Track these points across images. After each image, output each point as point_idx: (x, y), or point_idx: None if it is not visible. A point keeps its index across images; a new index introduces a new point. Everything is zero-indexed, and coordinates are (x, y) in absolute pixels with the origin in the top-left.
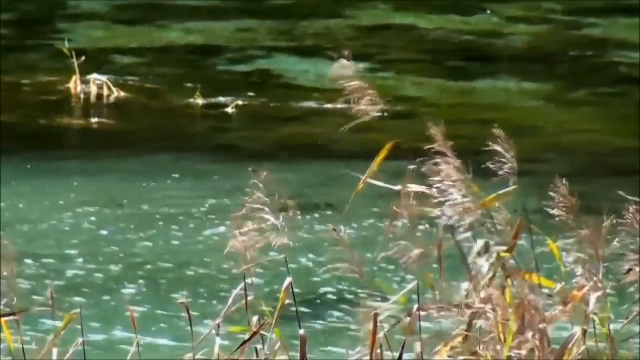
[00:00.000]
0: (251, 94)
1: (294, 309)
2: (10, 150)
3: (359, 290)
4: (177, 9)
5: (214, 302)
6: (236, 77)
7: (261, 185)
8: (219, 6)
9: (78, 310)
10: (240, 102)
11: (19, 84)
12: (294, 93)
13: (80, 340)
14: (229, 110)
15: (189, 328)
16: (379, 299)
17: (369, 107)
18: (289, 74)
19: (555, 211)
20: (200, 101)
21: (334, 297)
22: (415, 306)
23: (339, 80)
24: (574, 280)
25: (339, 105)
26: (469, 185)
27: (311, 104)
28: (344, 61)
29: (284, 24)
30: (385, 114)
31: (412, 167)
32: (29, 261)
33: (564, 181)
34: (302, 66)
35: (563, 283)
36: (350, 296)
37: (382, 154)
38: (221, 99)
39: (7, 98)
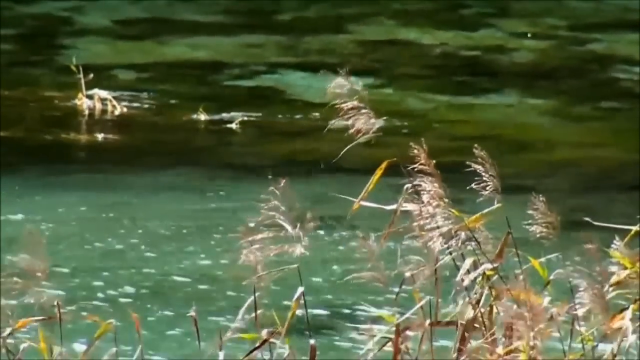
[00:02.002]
0: (255, 109)
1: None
2: (15, 165)
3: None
4: (181, 24)
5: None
6: (240, 92)
7: (278, 194)
8: (223, 22)
9: (112, 320)
10: (244, 118)
11: (24, 100)
12: (299, 109)
13: (114, 350)
14: (234, 126)
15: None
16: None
17: (364, 128)
18: (294, 90)
19: (535, 228)
20: (204, 117)
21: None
22: (428, 321)
23: (335, 99)
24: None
25: (343, 122)
26: (451, 208)
27: (316, 119)
28: (340, 80)
29: (289, 40)
30: (379, 133)
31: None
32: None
33: (541, 197)
34: (306, 82)
35: (549, 298)
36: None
37: (378, 173)
38: (225, 114)
39: (12, 113)
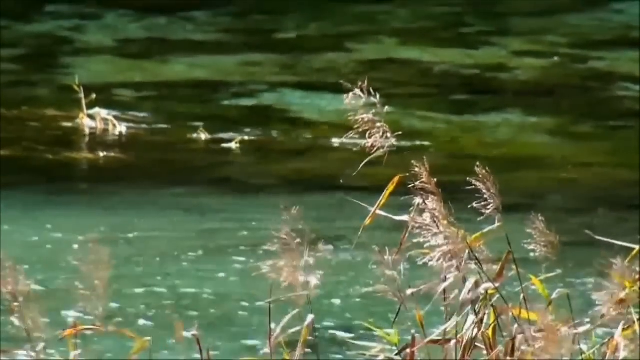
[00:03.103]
0: (256, 128)
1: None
2: (17, 184)
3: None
4: (181, 43)
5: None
6: (241, 111)
7: (290, 221)
8: (223, 41)
9: (149, 338)
10: (245, 137)
11: (25, 119)
12: (299, 128)
13: None
14: (233, 145)
15: None
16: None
17: (380, 142)
18: (294, 109)
19: (533, 247)
20: (204, 136)
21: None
22: (454, 341)
23: (350, 113)
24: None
25: (344, 140)
26: (452, 227)
27: (316, 138)
28: (357, 92)
29: (289, 59)
30: (392, 148)
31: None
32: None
33: (540, 217)
34: (307, 101)
35: (552, 317)
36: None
37: (390, 188)
38: (225, 134)
39: (13, 133)
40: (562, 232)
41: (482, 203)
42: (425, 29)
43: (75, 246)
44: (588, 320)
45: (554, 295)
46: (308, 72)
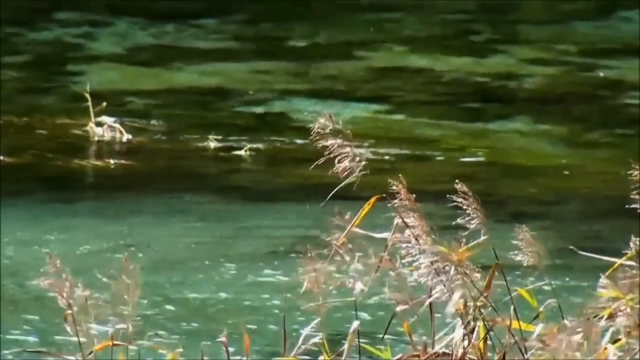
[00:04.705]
0: (266, 136)
1: None
2: (25, 191)
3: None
4: (191, 51)
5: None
6: (250, 119)
7: (341, 225)
8: (233, 48)
9: (181, 349)
10: (254, 145)
11: (34, 127)
12: (308, 135)
13: None
14: (243, 152)
15: None
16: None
17: (350, 166)
18: (304, 116)
19: (521, 257)
20: (213, 144)
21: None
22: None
23: (319, 140)
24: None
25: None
26: (436, 244)
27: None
28: (324, 121)
29: (299, 66)
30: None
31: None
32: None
33: (523, 227)
34: (316, 108)
35: (542, 325)
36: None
37: (366, 209)
38: (235, 141)
39: (23, 140)
40: (568, 239)
41: (467, 218)
42: (435, 37)
43: (84, 255)
44: (580, 329)
45: (542, 307)
46: (318, 79)
